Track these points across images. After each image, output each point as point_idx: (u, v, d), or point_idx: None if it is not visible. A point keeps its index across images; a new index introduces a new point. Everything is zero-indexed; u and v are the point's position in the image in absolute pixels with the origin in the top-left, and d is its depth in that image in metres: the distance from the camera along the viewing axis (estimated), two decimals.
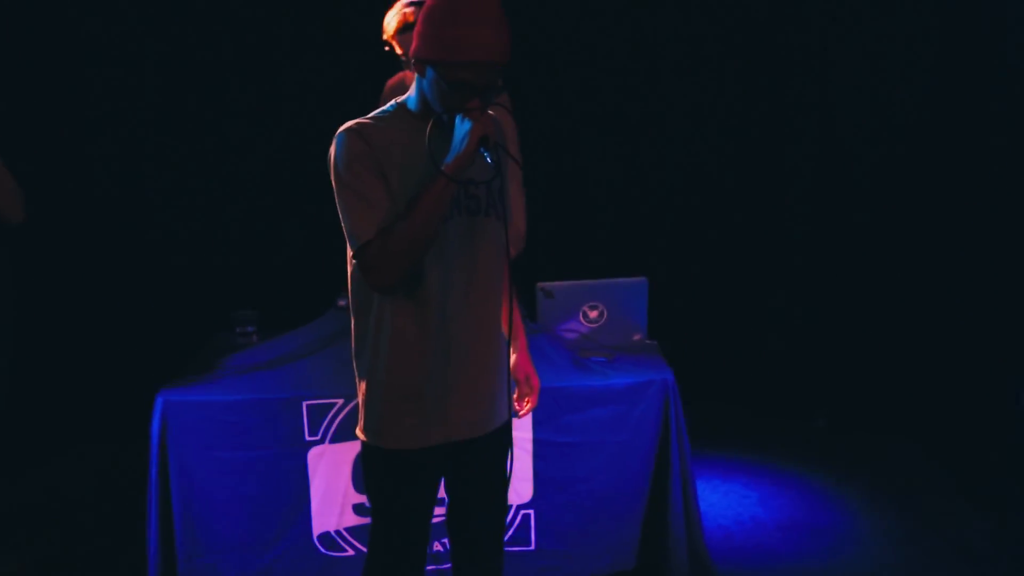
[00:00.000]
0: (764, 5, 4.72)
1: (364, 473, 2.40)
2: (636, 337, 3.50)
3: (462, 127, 2.11)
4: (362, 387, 2.35)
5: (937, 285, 4.66)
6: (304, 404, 3.07)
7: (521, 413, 2.60)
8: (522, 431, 3.15)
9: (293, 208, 4.72)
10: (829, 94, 4.75)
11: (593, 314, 3.45)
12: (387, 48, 3.29)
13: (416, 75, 2.21)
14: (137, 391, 3.29)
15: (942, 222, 4.62)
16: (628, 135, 4.89)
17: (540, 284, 3.42)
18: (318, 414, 3.09)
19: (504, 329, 2.53)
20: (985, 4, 4.32)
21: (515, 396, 2.60)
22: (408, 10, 3.17)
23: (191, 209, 4.78)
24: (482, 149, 2.10)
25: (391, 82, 3.52)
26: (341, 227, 2.23)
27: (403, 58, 3.28)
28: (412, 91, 2.26)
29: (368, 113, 2.26)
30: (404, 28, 3.18)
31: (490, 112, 2.15)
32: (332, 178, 2.20)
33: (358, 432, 2.38)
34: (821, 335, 4.94)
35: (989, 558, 3.48)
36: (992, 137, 4.28)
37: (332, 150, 2.20)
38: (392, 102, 2.29)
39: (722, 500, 4.05)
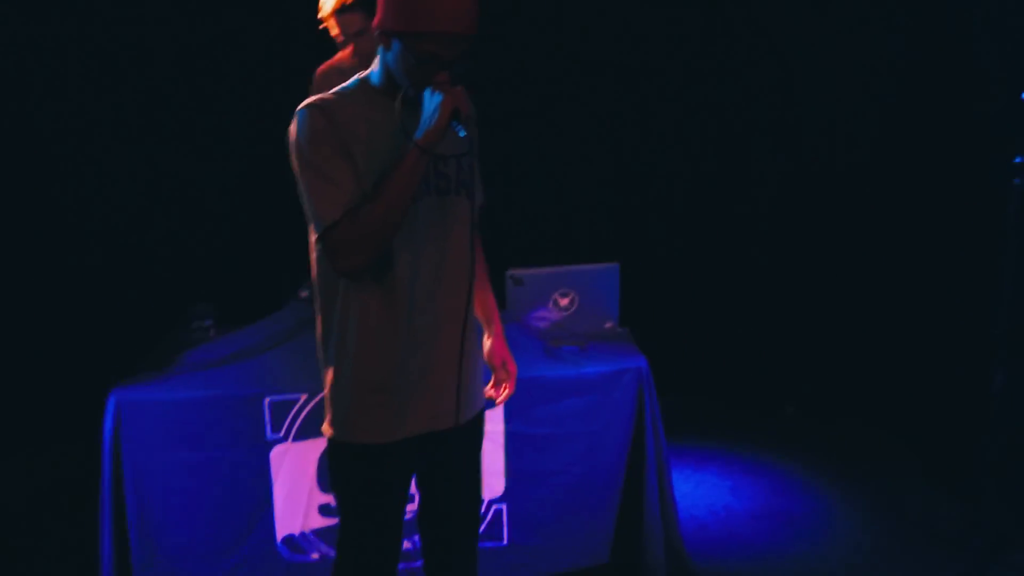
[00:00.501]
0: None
1: (331, 470, 2.28)
2: (608, 325, 3.42)
3: (432, 100, 2.00)
4: (328, 379, 2.23)
5: (903, 271, 4.65)
6: (266, 400, 2.94)
7: (498, 400, 2.50)
8: (494, 423, 3.05)
9: (249, 195, 4.55)
10: (796, 88, 4.72)
11: (564, 301, 3.36)
12: (321, 28, 3.15)
13: (380, 48, 2.09)
14: (88, 390, 3.12)
15: (907, 211, 4.62)
16: (600, 119, 4.81)
17: (509, 271, 3.33)
18: (281, 411, 2.96)
19: (476, 311, 2.43)
20: (951, 6, 4.31)
21: (491, 383, 2.50)
22: None
23: (143, 199, 4.58)
24: (454, 123, 1.99)
25: (321, 69, 3.37)
26: (303, 212, 2.11)
27: (340, 40, 3.15)
28: (375, 65, 2.15)
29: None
30: (342, 8, 3.06)
31: (459, 86, 2.04)
32: (293, 158, 2.08)
33: (324, 427, 2.26)
34: (790, 323, 4.92)
35: (958, 541, 3.46)
36: (955, 129, 4.28)
37: (292, 128, 2.08)
38: (354, 78, 2.18)
39: (695, 490, 3.99)
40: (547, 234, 4.83)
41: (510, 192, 4.61)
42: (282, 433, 2.96)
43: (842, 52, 4.64)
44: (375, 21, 2.06)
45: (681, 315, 4.96)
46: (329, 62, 3.36)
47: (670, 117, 4.84)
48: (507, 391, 2.48)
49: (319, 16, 3.12)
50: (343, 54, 3.30)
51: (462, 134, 1.99)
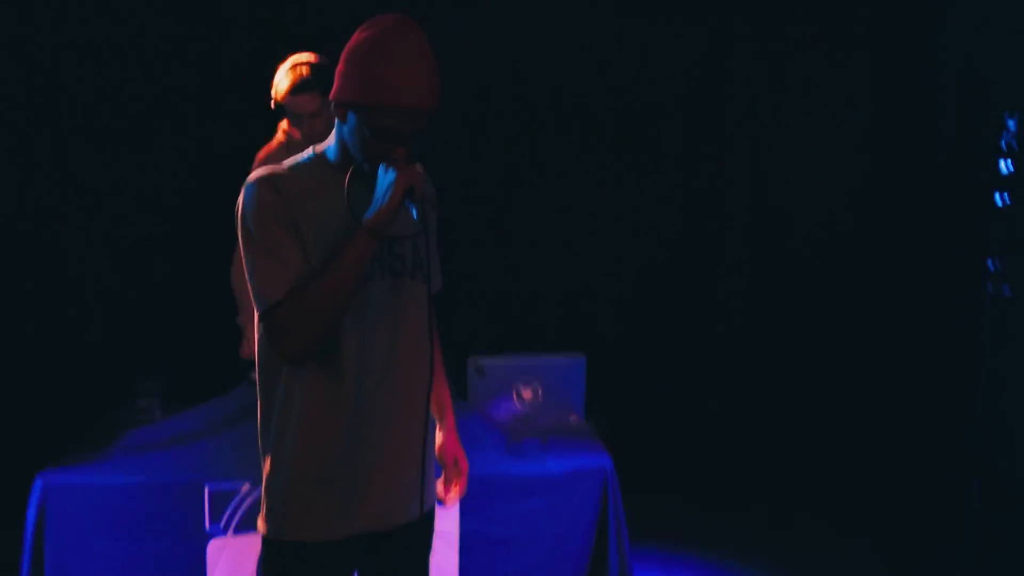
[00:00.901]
0: (700, 61, 4.67)
1: (263, 571, 2.10)
2: (572, 418, 3.28)
3: (386, 178, 1.91)
4: (265, 469, 2.07)
5: (880, 360, 4.56)
6: (206, 489, 2.76)
7: (447, 501, 2.34)
8: (447, 522, 2.88)
9: (208, 260, 4.31)
10: (767, 168, 4.71)
11: (527, 393, 3.24)
12: (273, 107, 3.02)
13: (336, 122, 2.00)
14: (16, 473, 2.92)
15: (884, 294, 4.56)
16: (566, 199, 4.73)
17: (471, 359, 3.20)
18: (221, 501, 2.77)
19: (430, 405, 2.30)
20: (920, 69, 4.35)
21: (440, 481, 2.34)
22: (303, 67, 2.94)
23: (89, 259, 4.32)
24: (407, 202, 1.89)
25: (264, 152, 3.19)
26: None
27: (294, 121, 3.01)
28: (331, 139, 2.05)
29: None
30: (299, 87, 2.92)
31: (417, 165, 1.94)
32: (239, 232, 1.96)
33: (259, 522, 2.09)
34: (763, 418, 4.80)
35: None
36: (925, 197, 4.28)
37: (240, 201, 1.97)
38: (309, 151, 2.08)
39: None
40: (511, 320, 4.70)
41: (472, 275, 4.49)
42: (221, 525, 2.77)
43: (813, 129, 4.65)
44: (332, 92, 1.97)
45: (649, 408, 4.82)
46: (271, 144, 3.22)
47: (638, 199, 4.77)
48: (457, 491, 2.32)
49: (274, 97, 3.00)
50: (284, 136, 3.16)
51: (415, 214, 1.89)
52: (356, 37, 1.94)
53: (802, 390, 4.77)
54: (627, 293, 4.84)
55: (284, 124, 3.18)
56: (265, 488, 2.07)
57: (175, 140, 4.32)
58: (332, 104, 1.97)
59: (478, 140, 4.62)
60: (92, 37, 4.21)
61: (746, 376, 4.86)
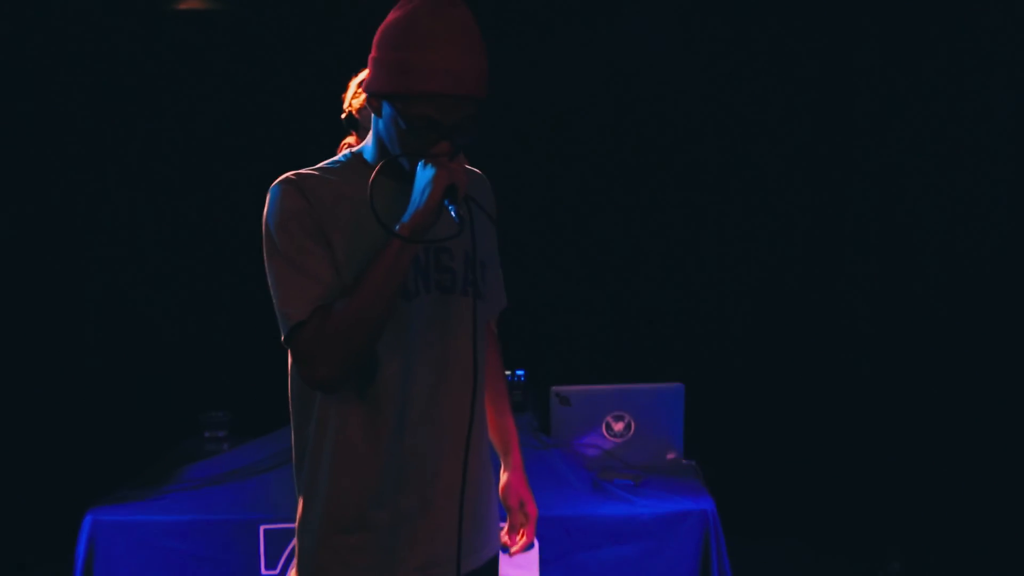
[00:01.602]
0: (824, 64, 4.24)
1: None
2: (670, 456, 2.94)
3: (424, 175, 1.64)
4: (299, 512, 1.83)
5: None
6: (261, 528, 2.54)
7: (513, 550, 2.05)
8: (525, 570, 2.57)
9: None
10: (886, 172, 4.23)
11: (618, 426, 2.91)
12: (345, 120, 2.80)
13: (373, 117, 1.76)
14: (75, 509, 2.78)
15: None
16: (666, 206, 4.35)
17: (555, 388, 2.90)
18: (277, 541, 2.55)
19: (492, 438, 2.01)
20: None
21: (505, 528, 2.05)
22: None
23: (156, 294, 4.22)
24: (447, 202, 1.62)
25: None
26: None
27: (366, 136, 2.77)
28: (369, 138, 1.81)
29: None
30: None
31: (464, 162, 1.67)
32: (263, 241, 1.73)
33: (290, 572, 1.84)
34: (899, 455, 4.27)
35: None
36: None
37: (265, 207, 1.74)
38: (345, 151, 1.84)
39: None
40: (600, 345, 4.34)
41: (557, 296, 4.19)
42: (278, 569, 2.55)
43: (947, 137, 4.14)
44: (364, 82, 1.73)
45: (759, 445, 4.36)
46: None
47: (745, 213, 4.35)
48: (524, 539, 2.02)
49: (347, 109, 2.79)
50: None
51: (454, 216, 1.62)
52: (389, 17, 1.69)
53: (936, 427, 4.24)
54: (733, 315, 4.40)
55: (351, 139, 2.97)
56: (298, 533, 1.83)
57: (241, 175, 4.16)
58: (365, 96, 1.72)
59: (568, 150, 4.32)
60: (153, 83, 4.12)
61: (870, 410, 4.36)
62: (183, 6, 3.97)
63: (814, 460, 4.40)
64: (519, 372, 3.26)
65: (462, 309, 1.81)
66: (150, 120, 4.12)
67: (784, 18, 4.17)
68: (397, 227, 1.64)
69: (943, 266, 4.22)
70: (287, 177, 1.73)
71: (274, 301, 1.71)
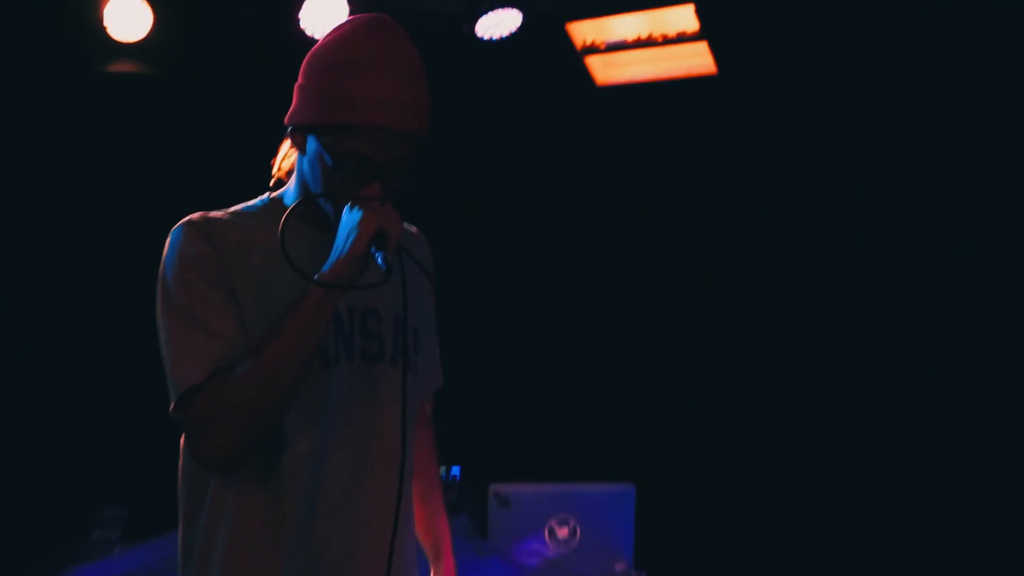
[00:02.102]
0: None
1: None
2: (619, 567, 2.67)
3: (349, 218, 1.42)
4: None
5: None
6: None
7: None
8: None
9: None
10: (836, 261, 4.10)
11: (563, 532, 2.65)
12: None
13: (296, 155, 1.54)
14: None
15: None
16: (615, 299, 4.15)
17: (493, 486, 2.64)
18: None
19: (421, 539, 1.74)
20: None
21: None
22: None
23: (45, 363, 3.72)
24: (374, 249, 1.39)
25: None
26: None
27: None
28: (291, 180, 1.58)
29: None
30: None
31: (390, 207, 1.45)
32: (158, 293, 1.48)
33: None
34: (862, 560, 4.01)
35: None
36: None
37: (164, 252, 1.49)
38: (264, 196, 1.61)
39: None
40: (542, 439, 4.05)
41: (495, 383, 3.93)
42: None
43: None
44: (287, 114, 1.51)
45: (717, 553, 4.07)
46: None
47: (706, 289, 4.16)
48: None
49: (275, 165, 2.57)
50: None
51: (381, 264, 1.38)
52: (320, 42, 1.49)
53: (899, 524, 4.01)
54: (687, 407, 4.15)
55: None
56: None
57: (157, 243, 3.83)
58: (288, 129, 1.51)
59: (517, 223, 4.15)
60: None
61: (833, 513, 4.11)
62: (115, 68, 3.76)
63: (774, 570, 4.12)
64: (453, 469, 2.99)
65: (389, 382, 1.56)
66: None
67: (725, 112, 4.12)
68: (316, 276, 1.40)
69: (897, 357, 4.08)
70: (190, 219, 1.49)
71: (164, 362, 1.45)
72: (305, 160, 1.49)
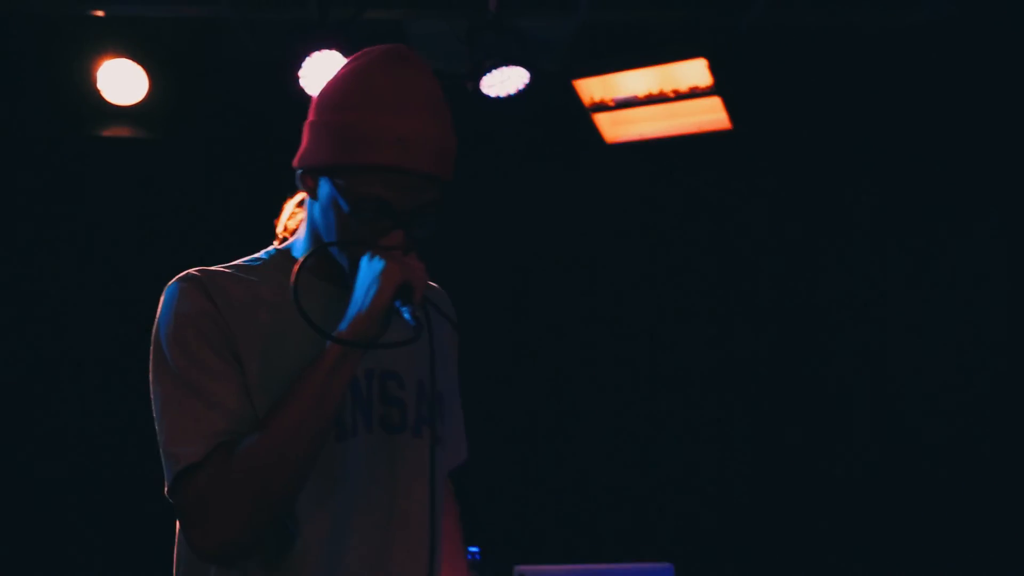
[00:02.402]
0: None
1: None
2: None
3: (369, 269, 1.25)
4: None
5: None
6: None
7: None
8: None
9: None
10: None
11: None
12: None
13: (307, 203, 1.38)
14: None
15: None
16: (660, 368, 3.95)
17: (519, 568, 2.45)
18: None
19: None
20: None
21: None
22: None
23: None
24: (398, 303, 1.23)
25: None
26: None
27: None
28: (300, 230, 1.42)
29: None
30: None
31: (415, 258, 1.29)
32: (151, 357, 1.31)
33: None
34: None
35: None
36: None
37: (158, 311, 1.33)
38: (270, 248, 1.45)
39: None
40: (569, 517, 3.82)
41: (518, 453, 3.72)
42: None
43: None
44: (295, 159, 1.36)
45: None
46: None
47: (742, 361, 3.98)
48: None
49: (279, 225, 2.43)
50: None
51: (411, 320, 1.22)
52: (333, 76, 1.35)
53: None
54: (728, 483, 3.92)
55: None
56: None
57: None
58: (298, 173, 1.35)
59: (542, 293, 4.01)
60: None
61: None
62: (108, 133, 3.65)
63: None
64: (472, 549, 2.79)
65: (415, 455, 1.38)
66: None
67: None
68: (334, 334, 1.23)
69: (934, 432, 3.88)
70: (187, 273, 1.33)
71: (159, 437, 1.27)
72: (317, 206, 1.33)
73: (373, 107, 1.26)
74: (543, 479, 3.86)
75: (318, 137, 1.30)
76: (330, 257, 1.34)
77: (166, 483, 1.25)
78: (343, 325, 1.24)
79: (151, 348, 1.30)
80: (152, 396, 1.28)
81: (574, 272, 4.07)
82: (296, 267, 1.25)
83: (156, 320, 1.31)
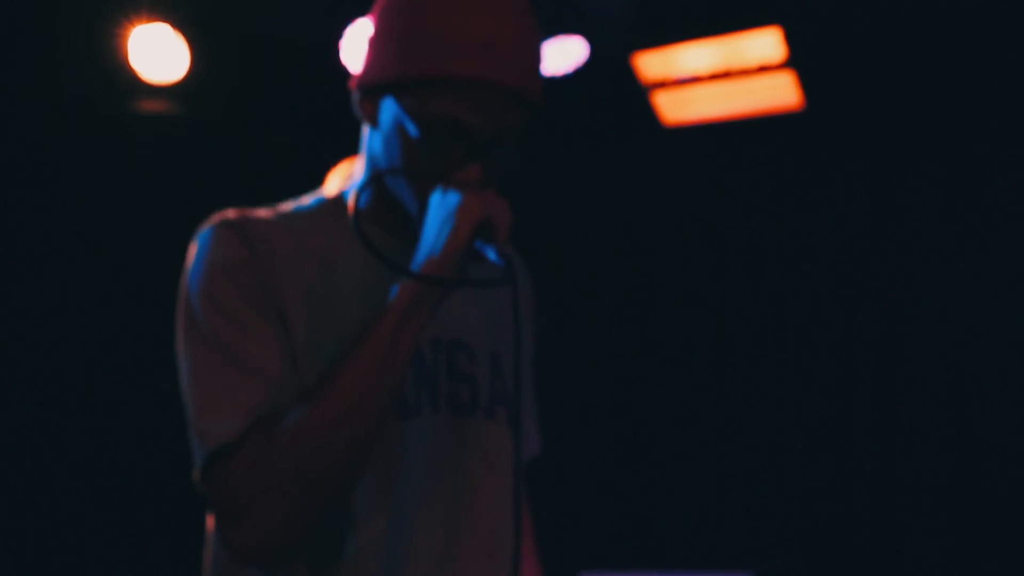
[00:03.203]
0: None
1: None
2: None
3: (442, 205, 1.03)
4: None
5: None
6: None
7: None
8: None
9: None
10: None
11: None
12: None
13: (365, 135, 1.16)
14: None
15: None
16: (728, 370, 3.72)
17: (584, 574, 2.20)
18: None
19: None
20: None
21: None
22: None
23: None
24: (479, 243, 1.00)
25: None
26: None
27: None
28: (356, 168, 1.20)
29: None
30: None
31: (494, 193, 1.07)
32: (178, 316, 1.09)
33: None
34: None
35: None
36: None
37: (188, 262, 1.11)
38: (317, 194, 1.23)
39: None
40: (641, 520, 3.56)
41: (596, 457, 3.48)
42: None
43: None
44: (352, 79, 1.14)
45: None
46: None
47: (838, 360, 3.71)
48: None
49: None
50: None
51: (496, 259, 0.99)
52: None
53: None
54: (813, 486, 3.64)
55: None
56: None
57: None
58: (356, 96, 1.13)
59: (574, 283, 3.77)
60: None
61: None
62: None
63: None
64: None
65: (486, 441, 1.16)
66: None
67: None
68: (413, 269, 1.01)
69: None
70: (224, 217, 1.11)
71: (187, 411, 1.05)
72: (378, 135, 1.11)
73: (449, 7, 1.03)
74: (610, 478, 3.63)
75: (382, 49, 1.08)
76: (392, 201, 1.12)
77: (196, 467, 1.03)
78: (418, 259, 1.02)
79: (179, 306, 1.08)
80: (180, 362, 1.06)
81: (630, 265, 3.83)
82: (353, 194, 1.02)
83: (185, 273, 1.09)
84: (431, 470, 1.11)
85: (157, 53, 3.28)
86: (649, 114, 3.72)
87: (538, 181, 3.70)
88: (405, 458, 1.09)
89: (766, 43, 3.32)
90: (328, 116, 3.32)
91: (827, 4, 3.25)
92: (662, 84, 3.63)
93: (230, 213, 1.11)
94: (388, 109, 1.08)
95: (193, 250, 1.10)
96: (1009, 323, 3.57)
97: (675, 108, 3.76)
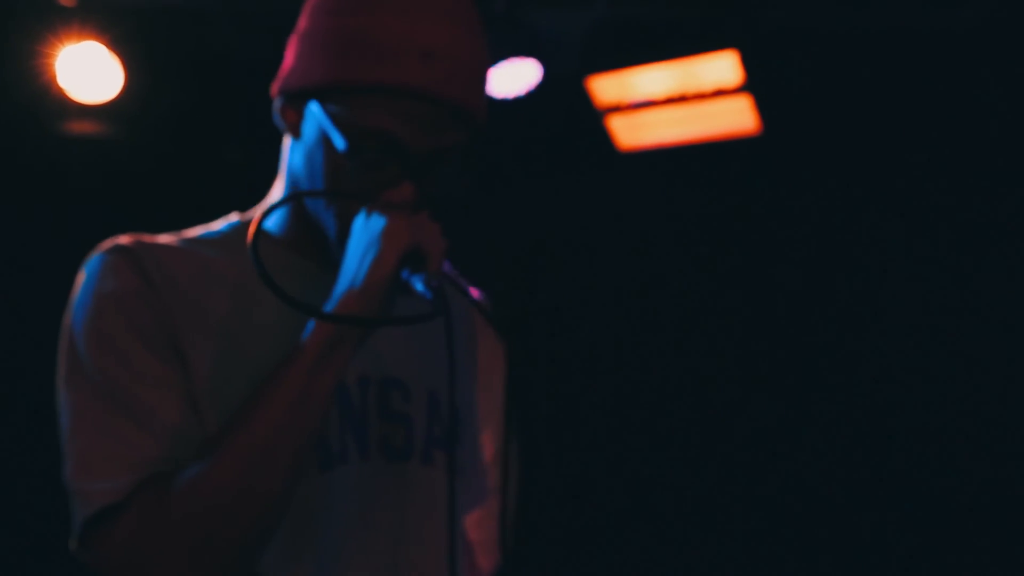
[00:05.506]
0: None
1: None
2: None
3: (367, 229, 0.90)
4: None
5: None
6: None
7: None
8: None
9: None
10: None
11: None
12: None
13: (287, 148, 1.03)
14: None
15: None
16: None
17: None
18: None
19: None
20: None
21: None
22: None
23: None
24: (406, 273, 0.88)
25: None
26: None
27: None
28: (274, 190, 1.07)
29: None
30: None
31: (427, 216, 0.94)
32: (59, 355, 0.95)
33: None
34: None
35: None
36: None
37: (74, 293, 0.97)
38: (231, 218, 1.09)
39: None
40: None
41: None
42: None
43: None
44: (274, 86, 1.01)
45: None
46: None
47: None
48: None
49: None
50: None
51: (424, 291, 0.87)
52: None
53: None
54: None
55: None
56: None
57: None
58: (277, 103, 1.00)
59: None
60: None
61: None
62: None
63: None
64: None
65: (427, 489, 1.03)
66: None
67: None
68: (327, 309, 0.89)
69: None
70: (116, 243, 0.97)
71: (65, 467, 0.91)
72: (300, 147, 0.98)
73: (388, 8, 0.91)
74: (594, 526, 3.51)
75: (309, 49, 0.95)
76: (310, 224, 0.99)
77: (74, 532, 0.88)
78: (329, 305, 0.89)
79: (61, 343, 0.94)
80: (60, 409, 0.92)
81: (585, 292, 3.75)
82: (255, 221, 0.89)
83: (70, 305, 0.95)
84: (360, 524, 0.98)
85: (88, 72, 3.15)
86: (604, 139, 3.65)
87: (489, 207, 3.61)
88: (327, 512, 0.96)
89: (722, 67, 3.26)
90: (268, 138, 3.20)
91: (784, 28, 3.21)
92: (617, 108, 3.56)
93: (123, 238, 0.97)
94: (312, 118, 0.95)
95: (80, 280, 0.96)
96: (967, 342, 3.54)
97: (630, 133, 3.69)
